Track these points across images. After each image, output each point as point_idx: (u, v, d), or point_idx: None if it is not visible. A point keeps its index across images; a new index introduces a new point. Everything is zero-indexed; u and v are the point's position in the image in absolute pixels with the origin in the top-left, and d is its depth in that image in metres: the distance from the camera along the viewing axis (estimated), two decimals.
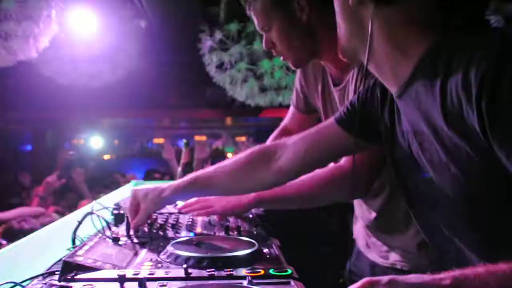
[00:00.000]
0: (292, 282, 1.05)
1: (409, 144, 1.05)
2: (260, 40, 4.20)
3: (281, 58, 1.58)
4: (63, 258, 1.11)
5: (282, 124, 2.02)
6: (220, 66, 4.44)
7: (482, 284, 0.69)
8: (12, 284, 1.02)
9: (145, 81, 6.15)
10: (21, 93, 5.92)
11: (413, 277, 0.72)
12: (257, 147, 1.48)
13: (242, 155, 1.49)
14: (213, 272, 1.10)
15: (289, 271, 1.11)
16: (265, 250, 1.32)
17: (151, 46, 5.08)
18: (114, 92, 5.98)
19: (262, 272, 1.11)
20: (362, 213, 1.63)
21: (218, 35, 4.27)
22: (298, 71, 1.83)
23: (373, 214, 1.56)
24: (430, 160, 0.97)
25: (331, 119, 1.31)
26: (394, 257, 1.50)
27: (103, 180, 6.13)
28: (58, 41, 4.43)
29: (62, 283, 0.93)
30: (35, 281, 1.08)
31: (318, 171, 1.48)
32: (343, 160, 1.49)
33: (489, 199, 0.87)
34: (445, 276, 0.71)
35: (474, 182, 0.87)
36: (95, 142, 9.12)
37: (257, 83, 4.41)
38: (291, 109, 1.99)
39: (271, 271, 1.11)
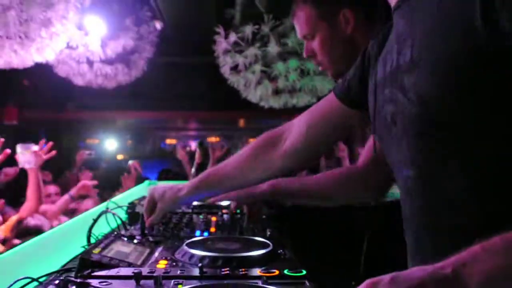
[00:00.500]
0: (307, 283, 1.04)
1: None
2: (275, 42, 4.22)
3: (320, 67, 1.57)
4: (80, 255, 1.13)
5: None
6: (235, 68, 4.46)
7: (481, 265, 0.64)
8: (29, 280, 1.04)
9: (159, 82, 6.20)
10: (38, 92, 6.00)
11: (415, 270, 0.69)
12: (264, 134, 1.44)
13: (249, 144, 1.47)
14: (227, 272, 1.10)
15: (304, 272, 1.11)
16: (279, 251, 1.32)
17: (166, 48, 5.11)
18: (128, 93, 6.04)
19: (277, 272, 1.11)
20: None
21: (233, 37, 4.29)
22: None
23: None
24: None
25: (331, 93, 1.27)
26: None
27: (117, 179, 6.17)
28: (74, 42, 4.49)
29: (80, 280, 0.93)
30: (52, 277, 1.09)
31: (334, 170, 1.48)
32: (359, 160, 1.48)
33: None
34: (445, 264, 0.68)
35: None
36: (109, 143, 9.19)
37: (271, 85, 4.42)
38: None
39: (285, 271, 1.11)
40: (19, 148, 3.09)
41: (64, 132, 7.04)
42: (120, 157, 10.03)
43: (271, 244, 1.32)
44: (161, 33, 4.76)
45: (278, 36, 4.24)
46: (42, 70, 4.74)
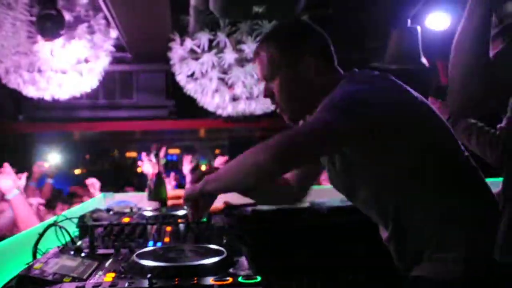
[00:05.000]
0: None
1: None
2: (231, 48, 4.19)
3: (278, 110, 1.55)
4: (23, 270, 1.05)
5: None
6: (191, 76, 4.40)
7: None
8: None
9: (117, 92, 6.07)
10: None
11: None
12: None
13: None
14: (177, 282, 1.05)
15: (258, 278, 1.07)
16: (235, 258, 1.28)
17: (122, 56, 5.01)
18: (83, 104, 5.88)
19: (230, 280, 1.07)
20: None
21: (189, 44, 4.23)
22: None
23: None
24: None
25: None
26: None
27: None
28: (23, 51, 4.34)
29: None
30: None
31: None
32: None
33: None
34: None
35: None
36: (65, 157, 8.91)
37: (229, 92, 4.38)
38: None
39: (239, 279, 1.07)
40: None
41: (17, 145, 6.79)
42: (77, 171, 9.73)
43: (225, 251, 1.28)
44: (116, 41, 4.65)
45: (235, 42, 4.21)
46: None
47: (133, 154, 10.22)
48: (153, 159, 2.72)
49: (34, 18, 4.19)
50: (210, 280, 1.07)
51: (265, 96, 1.55)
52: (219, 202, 2.52)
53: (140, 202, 2.71)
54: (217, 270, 1.15)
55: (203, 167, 6.08)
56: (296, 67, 1.46)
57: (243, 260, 1.27)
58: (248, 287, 1.04)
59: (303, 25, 1.53)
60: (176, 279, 1.07)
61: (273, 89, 1.50)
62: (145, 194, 2.67)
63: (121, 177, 8.28)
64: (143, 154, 4.01)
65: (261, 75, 1.53)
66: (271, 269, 1.20)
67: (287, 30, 1.52)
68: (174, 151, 9.77)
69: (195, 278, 1.07)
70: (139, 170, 4.65)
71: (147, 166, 4.34)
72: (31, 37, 4.38)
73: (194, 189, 1.37)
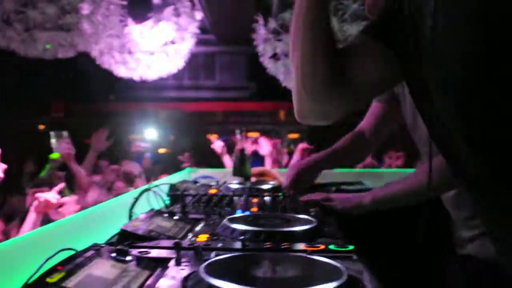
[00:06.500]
0: (355, 257, 0.99)
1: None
2: None
3: None
4: (123, 227, 1.11)
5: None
6: (274, 56, 4.40)
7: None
8: (71, 252, 1.02)
9: (199, 74, 6.21)
10: (81, 85, 6.13)
11: None
12: None
13: None
14: (270, 246, 1.06)
15: (351, 247, 1.05)
16: (324, 228, 1.27)
17: (205, 38, 5.10)
18: (168, 85, 6.08)
19: (323, 247, 1.05)
20: None
21: (272, 24, 4.23)
22: None
23: None
24: None
25: None
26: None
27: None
28: (116, 34, 4.56)
29: (119, 247, 0.91)
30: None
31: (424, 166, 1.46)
32: None
33: None
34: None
35: None
36: (151, 136, 9.29)
37: None
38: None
39: (331, 246, 1.06)
40: (52, 134, 3.20)
41: (108, 124, 7.18)
42: (162, 150, 10.15)
43: (315, 220, 1.27)
44: (200, 23, 4.75)
45: None
46: (85, 62, 4.83)
47: (214, 135, 10.48)
48: (238, 136, 2.75)
49: (125, 2, 4.38)
50: (301, 246, 1.06)
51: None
52: None
53: (223, 178, 2.77)
54: (308, 238, 1.14)
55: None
56: None
57: (333, 230, 1.26)
58: (341, 254, 1.02)
59: None
60: (268, 243, 1.07)
61: None
62: (226, 171, 2.72)
63: (202, 158, 8.51)
64: (215, 137, 4.12)
65: None
66: (360, 242, 1.17)
67: None
68: (253, 134, 9.87)
69: (286, 243, 1.07)
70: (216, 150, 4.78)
71: (218, 145, 4.45)
72: (122, 20, 4.58)
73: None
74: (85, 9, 3.51)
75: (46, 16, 3.14)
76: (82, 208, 3.24)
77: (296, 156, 4.00)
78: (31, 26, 3.10)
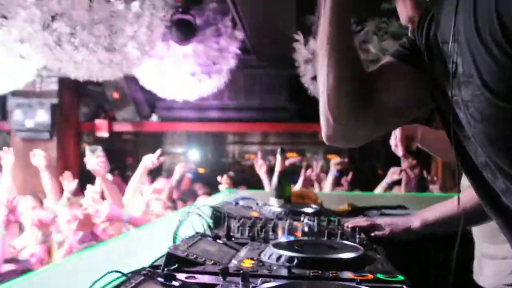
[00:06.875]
0: None
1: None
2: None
3: None
4: (168, 250, 1.11)
5: None
6: (315, 77, 4.39)
7: None
8: (118, 275, 1.03)
9: (239, 94, 6.27)
10: (124, 105, 6.29)
11: None
12: None
13: None
14: (317, 273, 1.04)
15: (401, 277, 1.02)
16: (371, 255, 1.23)
17: (247, 58, 5.15)
18: (209, 105, 6.16)
19: (371, 276, 1.02)
20: None
21: (313, 44, 4.23)
22: None
23: None
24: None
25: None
26: None
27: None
28: (160, 56, 4.66)
29: (166, 272, 0.91)
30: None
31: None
32: None
33: None
34: None
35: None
36: (192, 155, 9.39)
37: None
38: None
39: (379, 275, 1.03)
40: (87, 150, 3.29)
41: (148, 144, 7.34)
42: (201, 170, 10.22)
43: (362, 248, 1.24)
44: (241, 43, 4.81)
45: (359, 43, 4.12)
46: (129, 83, 4.96)
47: (252, 155, 10.49)
48: (279, 157, 2.73)
49: (167, 23, 4.47)
50: (349, 275, 1.04)
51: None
52: (344, 203, 2.48)
53: (263, 199, 2.75)
54: (355, 266, 1.11)
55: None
56: None
57: (381, 258, 1.22)
58: (390, 285, 0.99)
59: None
60: (315, 270, 1.05)
61: None
62: (266, 192, 2.70)
63: (240, 177, 8.53)
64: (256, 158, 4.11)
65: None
66: (406, 269, 1.13)
67: None
68: (292, 154, 9.83)
69: (334, 272, 1.05)
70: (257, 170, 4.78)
71: (259, 165, 4.44)
72: (164, 40, 4.69)
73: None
74: (130, 31, 3.61)
75: (93, 38, 3.24)
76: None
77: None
78: (80, 47, 3.21)
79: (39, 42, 3.22)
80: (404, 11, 1.43)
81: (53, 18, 3.11)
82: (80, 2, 3.09)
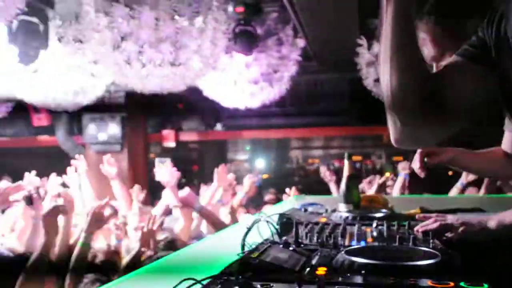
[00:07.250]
0: None
1: None
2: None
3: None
4: (240, 259, 1.12)
5: None
6: (378, 80, 4.31)
7: None
8: (192, 282, 1.05)
9: (301, 100, 6.26)
10: (190, 115, 6.45)
11: None
12: None
13: None
14: (393, 281, 1.01)
15: (485, 286, 0.97)
16: (450, 261, 1.18)
17: (308, 64, 5.14)
18: (272, 112, 6.19)
19: (452, 284, 0.98)
20: None
21: (377, 47, 4.15)
22: None
23: None
24: None
25: None
26: None
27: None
28: (223, 67, 4.75)
29: (242, 280, 0.92)
30: (213, 280, 1.10)
31: None
32: None
33: None
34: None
35: None
36: (257, 162, 9.49)
37: None
38: None
39: (462, 283, 0.99)
40: (156, 162, 3.39)
41: (212, 152, 7.49)
42: (265, 176, 10.29)
43: (439, 254, 1.19)
44: (303, 50, 4.81)
45: None
46: (193, 94, 5.09)
47: (315, 160, 10.44)
48: (346, 162, 2.70)
49: (230, 36, 4.55)
50: (428, 282, 1.00)
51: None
52: (415, 207, 2.41)
53: (331, 205, 2.72)
54: (434, 273, 1.07)
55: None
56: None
57: (459, 264, 1.17)
58: None
59: None
60: (391, 277, 1.03)
61: None
62: (333, 197, 2.66)
63: (306, 183, 8.50)
64: (322, 164, 4.09)
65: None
66: (488, 275, 1.08)
67: None
68: (357, 158, 9.68)
69: (412, 279, 1.02)
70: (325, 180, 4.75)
71: (325, 172, 4.39)
72: (227, 52, 4.77)
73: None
74: (194, 46, 3.70)
75: (160, 54, 3.36)
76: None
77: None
78: (147, 64, 3.34)
79: (110, 62, 3.38)
80: (425, 49, 1.42)
81: (123, 38, 3.26)
82: (147, 21, 3.22)
